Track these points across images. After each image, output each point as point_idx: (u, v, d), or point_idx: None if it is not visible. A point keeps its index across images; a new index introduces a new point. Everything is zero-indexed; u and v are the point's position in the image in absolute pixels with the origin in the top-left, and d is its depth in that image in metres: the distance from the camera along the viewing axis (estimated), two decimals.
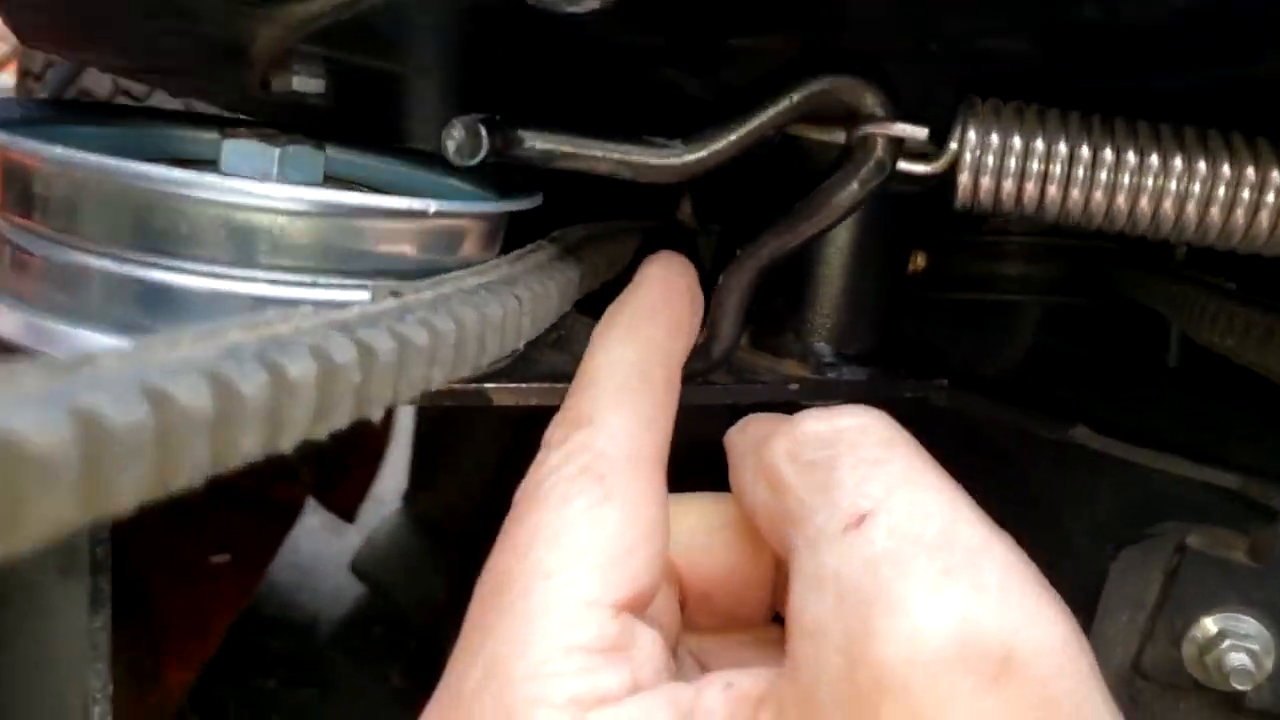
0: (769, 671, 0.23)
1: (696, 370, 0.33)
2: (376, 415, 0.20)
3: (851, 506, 0.22)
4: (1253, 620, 0.41)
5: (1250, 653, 0.40)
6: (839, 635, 0.20)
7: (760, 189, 0.40)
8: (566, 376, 0.28)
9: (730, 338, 0.33)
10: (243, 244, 0.27)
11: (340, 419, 0.18)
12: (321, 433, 0.18)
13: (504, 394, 0.31)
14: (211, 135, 0.35)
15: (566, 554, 0.24)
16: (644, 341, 0.29)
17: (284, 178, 0.31)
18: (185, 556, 0.63)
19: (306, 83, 0.35)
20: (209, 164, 0.33)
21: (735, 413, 0.30)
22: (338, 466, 0.79)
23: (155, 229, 0.27)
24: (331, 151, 0.34)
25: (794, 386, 0.35)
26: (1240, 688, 0.40)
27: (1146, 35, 0.28)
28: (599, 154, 0.29)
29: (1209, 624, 0.42)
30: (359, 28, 0.30)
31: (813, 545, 0.22)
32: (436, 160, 0.36)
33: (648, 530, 0.25)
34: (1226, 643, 0.41)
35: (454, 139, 0.29)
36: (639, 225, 0.39)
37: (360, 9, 0.28)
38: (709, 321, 0.33)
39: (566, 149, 0.29)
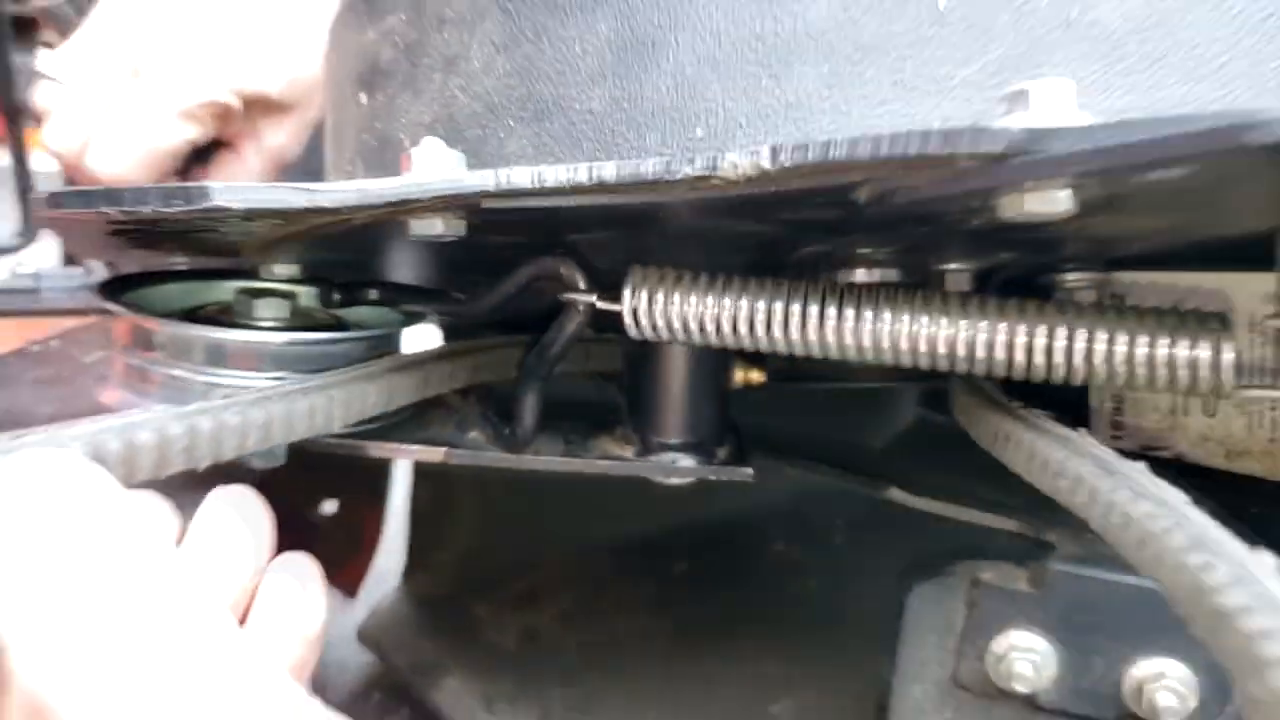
0: None
1: (512, 448, 0.46)
2: (202, 465, 0.32)
3: None
4: (1035, 635, 0.50)
5: (1032, 662, 0.50)
6: None
7: None
8: (440, 442, 0.42)
9: (528, 427, 0.47)
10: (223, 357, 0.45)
11: (177, 465, 0.31)
12: (162, 474, 0.30)
13: (380, 449, 0.45)
14: (233, 285, 0.53)
15: None
16: None
17: (258, 319, 0.49)
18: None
19: (285, 268, 0.51)
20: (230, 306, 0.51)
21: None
22: (340, 550, 0.90)
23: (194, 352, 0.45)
24: (305, 295, 0.51)
25: (604, 461, 0.47)
26: (1021, 690, 0.50)
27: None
28: (418, 304, 0.44)
29: (1002, 640, 0.51)
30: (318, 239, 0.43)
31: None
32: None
33: None
34: (1013, 654, 0.50)
35: (315, 295, 0.43)
36: (515, 340, 0.52)
37: (320, 233, 0.41)
38: (515, 414, 0.47)
39: (397, 299, 0.43)
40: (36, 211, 0.39)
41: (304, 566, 0.33)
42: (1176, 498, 0.29)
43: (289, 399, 0.36)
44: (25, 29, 1.11)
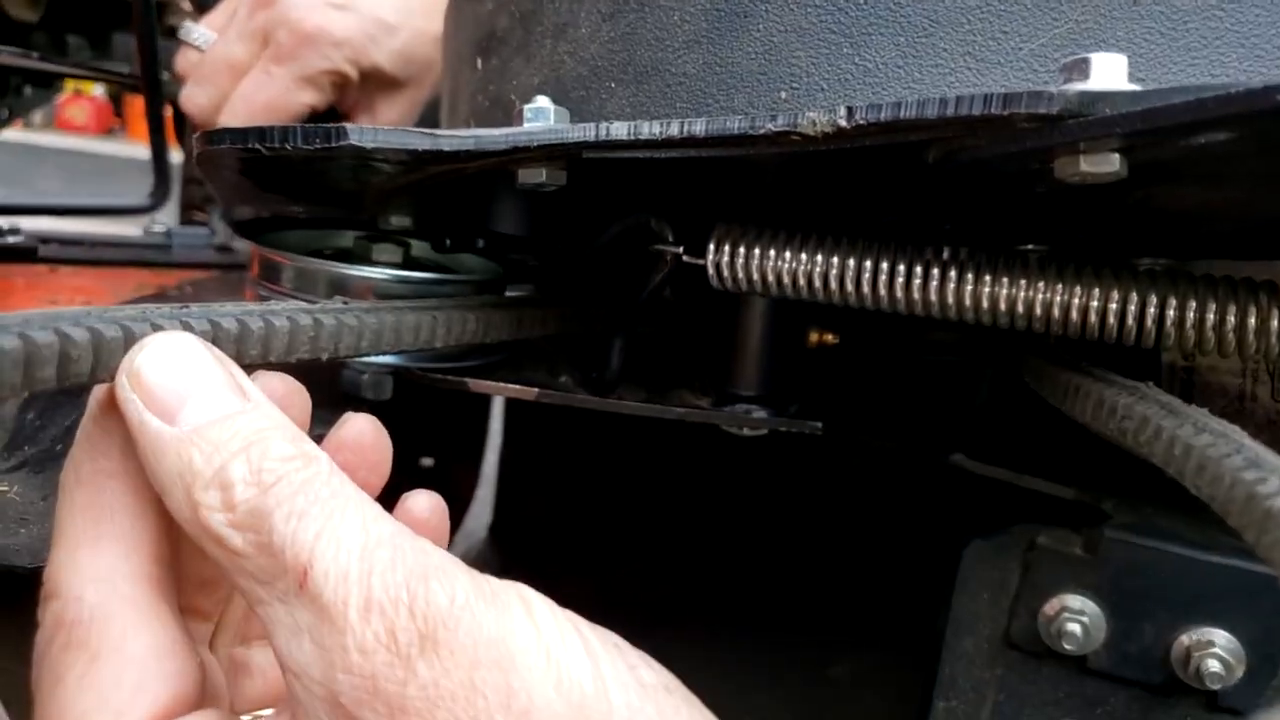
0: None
1: (598, 391, 0.49)
2: (324, 356, 0.36)
3: (295, 563, 0.24)
4: (1087, 600, 0.52)
5: (1082, 624, 0.52)
6: (320, 673, 0.24)
7: None
8: (534, 384, 0.46)
9: (615, 370, 0.51)
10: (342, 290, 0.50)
11: (303, 352, 0.35)
12: (292, 357, 0.35)
13: (479, 385, 0.49)
14: (352, 234, 0.58)
15: None
16: (92, 477, 0.28)
17: (376, 261, 0.54)
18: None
19: (400, 219, 0.55)
20: (349, 250, 0.58)
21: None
22: None
23: (318, 285, 0.51)
24: (418, 246, 0.57)
25: (681, 409, 0.51)
26: (1071, 650, 0.51)
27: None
28: (521, 251, 0.47)
29: (1055, 602, 0.53)
30: (429, 190, 0.47)
31: (281, 600, 0.25)
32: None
33: (149, 663, 0.26)
34: (1064, 615, 0.52)
35: (427, 245, 0.47)
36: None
37: (434, 182, 0.45)
38: (602, 360, 0.50)
39: (502, 246, 0.48)
40: (194, 147, 0.44)
41: (434, 496, 0.37)
42: (1235, 431, 0.32)
43: (399, 313, 0.41)
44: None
